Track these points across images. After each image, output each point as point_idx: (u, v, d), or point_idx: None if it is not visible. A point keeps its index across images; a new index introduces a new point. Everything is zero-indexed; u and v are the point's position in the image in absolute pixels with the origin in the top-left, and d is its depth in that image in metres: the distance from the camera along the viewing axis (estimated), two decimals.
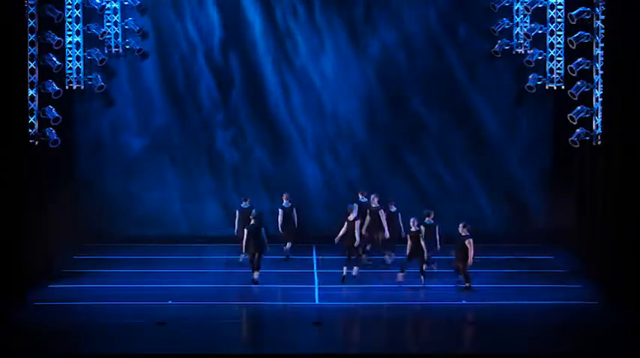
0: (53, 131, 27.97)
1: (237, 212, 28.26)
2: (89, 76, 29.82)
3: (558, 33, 29.52)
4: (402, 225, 27.57)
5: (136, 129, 30.77)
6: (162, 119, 30.80)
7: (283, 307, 24.75)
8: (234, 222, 28.17)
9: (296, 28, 30.55)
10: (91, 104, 30.49)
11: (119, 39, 30.08)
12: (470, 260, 25.46)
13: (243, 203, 28.22)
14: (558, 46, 29.57)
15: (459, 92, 30.68)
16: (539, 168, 30.77)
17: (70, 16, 29.29)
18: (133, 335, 22.14)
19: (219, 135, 30.86)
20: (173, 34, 30.51)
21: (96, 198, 30.57)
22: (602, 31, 26.84)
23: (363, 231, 26.81)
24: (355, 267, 26.34)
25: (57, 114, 28.04)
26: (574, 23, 28.17)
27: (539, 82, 29.90)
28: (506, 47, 30.09)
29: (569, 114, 28.29)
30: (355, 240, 26.22)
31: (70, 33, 29.41)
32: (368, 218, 27.23)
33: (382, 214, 27.30)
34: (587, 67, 27.97)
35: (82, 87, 29.87)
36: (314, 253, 29.34)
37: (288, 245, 28.64)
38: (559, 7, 29.41)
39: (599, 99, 27.30)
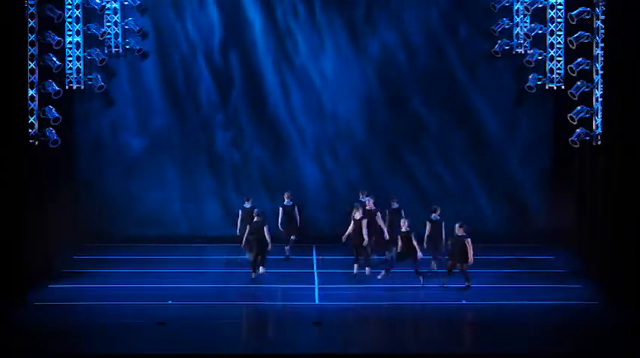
0: (53, 131, 27.97)
1: (239, 212, 28.27)
2: (89, 76, 29.82)
3: (558, 33, 29.53)
4: (402, 223, 27.64)
5: (136, 129, 30.78)
6: (162, 119, 30.81)
7: (283, 307, 24.75)
8: (237, 222, 28.17)
9: (296, 27, 30.55)
10: (91, 104, 30.49)
11: (119, 39, 30.09)
12: (471, 259, 25.47)
13: (246, 203, 28.21)
14: (558, 46, 29.57)
15: (459, 92, 30.69)
16: (539, 168, 30.77)
17: (70, 16, 29.29)
18: (133, 335, 22.14)
19: (219, 135, 30.86)
20: (173, 34, 30.52)
21: (96, 198, 30.58)
22: (602, 31, 26.84)
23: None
24: (367, 268, 26.24)
25: (57, 114, 28.04)
26: (574, 23, 28.17)
27: (539, 82, 29.91)
28: (506, 47, 30.10)
29: (569, 114, 28.29)
30: (363, 239, 26.16)
31: (70, 33, 29.42)
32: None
33: (379, 217, 27.24)
34: (587, 67, 27.98)
35: (82, 87, 29.87)
36: (314, 253, 29.34)
37: (291, 241, 28.67)
38: (559, 7, 29.42)
39: (599, 99, 27.30)
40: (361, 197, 28.16)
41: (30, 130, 26.94)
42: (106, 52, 29.96)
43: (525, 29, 29.85)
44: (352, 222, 26.42)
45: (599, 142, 27.13)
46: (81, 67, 29.74)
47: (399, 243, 25.87)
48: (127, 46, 30.20)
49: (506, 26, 30.04)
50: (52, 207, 28.06)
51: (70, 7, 29.23)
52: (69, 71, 29.54)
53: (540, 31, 29.63)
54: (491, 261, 27.86)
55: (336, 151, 30.91)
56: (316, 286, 26.11)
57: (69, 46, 29.43)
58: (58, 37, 28.17)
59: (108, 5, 29.81)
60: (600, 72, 27.15)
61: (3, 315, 23.23)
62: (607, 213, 25.52)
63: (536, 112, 30.54)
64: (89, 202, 30.49)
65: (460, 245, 25.49)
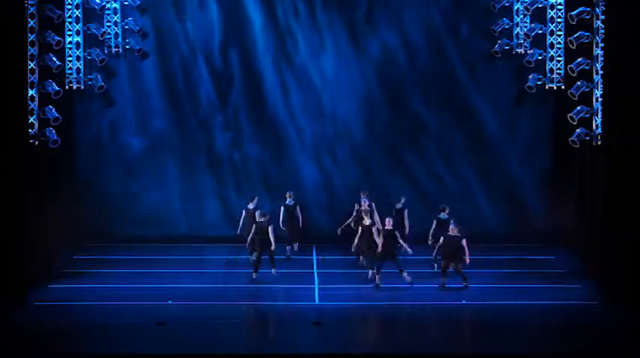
0: (53, 131, 27.96)
1: (243, 212, 28.26)
2: (89, 76, 29.82)
3: (558, 33, 29.52)
4: (407, 222, 27.71)
5: (136, 129, 30.77)
6: (162, 119, 30.79)
7: (283, 307, 24.74)
8: (239, 222, 28.16)
9: (297, 27, 30.54)
10: (91, 104, 30.48)
11: (119, 39, 30.08)
12: (467, 260, 25.50)
13: (250, 203, 28.17)
14: (558, 46, 29.57)
15: (459, 92, 30.68)
16: (539, 168, 30.77)
17: (70, 16, 29.28)
18: (133, 335, 22.14)
19: (219, 135, 30.84)
20: (173, 34, 30.50)
21: (96, 198, 30.57)
22: (602, 31, 26.83)
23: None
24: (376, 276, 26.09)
25: (57, 114, 28.03)
26: (574, 23, 28.17)
27: (539, 82, 29.90)
28: (506, 47, 30.09)
29: (569, 114, 28.29)
30: (375, 245, 25.78)
31: (70, 33, 29.41)
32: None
33: (375, 217, 27.27)
34: (587, 67, 27.97)
35: (82, 87, 29.87)
36: (314, 253, 29.34)
37: (295, 245, 28.77)
38: (559, 7, 29.42)
39: (599, 99, 27.30)
40: (362, 197, 28.19)
41: (30, 130, 26.93)
42: (106, 52, 29.95)
43: (525, 29, 29.84)
44: (360, 228, 26.19)
45: (599, 142, 27.13)
46: (81, 67, 29.73)
47: (381, 240, 25.76)
48: (127, 46, 30.19)
49: (506, 26, 30.03)
50: (52, 207, 28.06)
51: (70, 7, 29.22)
52: (69, 71, 29.54)
53: (540, 31, 29.63)
54: (491, 261, 27.87)
55: (335, 151, 30.90)
56: (316, 286, 26.11)
57: (69, 46, 29.43)
58: (58, 37, 28.17)
59: (108, 5, 29.80)
60: (600, 72, 27.14)
61: (3, 315, 23.23)
62: (607, 213, 25.52)
63: (536, 112, 30.54)
64: (89, 202, 30.49)
65: (454, 245, 25.50)
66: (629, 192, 24.58)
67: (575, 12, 28.06)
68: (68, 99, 29.53)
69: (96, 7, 29.50)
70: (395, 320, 23.77)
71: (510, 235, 30.29)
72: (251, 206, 28.11)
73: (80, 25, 29.47)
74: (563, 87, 29.38)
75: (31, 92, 27.15)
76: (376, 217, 27.20)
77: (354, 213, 27.98)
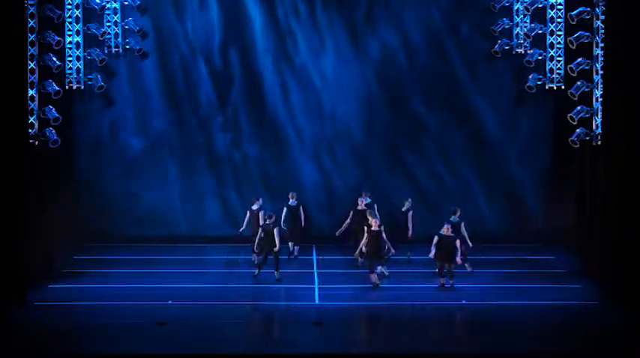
0: (53, 131, 27.96)
1: (247, 213, 28.25)
2: (89, 76, 29.81)
3: (558, 33, 29.52)
4: (411, 225, 27.83)
5: (136, 129, 30.76)
6: (162, 119, 30.79)
7: (283, 307, 24.73)
8: (242, 222, 28.15)
9: (297, 27, 30.53)
10: (91, 104, 30.48)
11: (119, 39, 30.08)
12: (458, 260, 25.55)
13: (254, 204, 28.13)
14: (558, 46, 29.57)
15: (459, 92, 30.67)
16: (539, 168, 30.76)
17: (70, 16, 29.28)
18: (133, 335, 22.14)
19: (219, 135, 30.83)
20: (173, 34, 30.49)
21: (96, 198, 30.57)
22: (602, 31, 26.83)
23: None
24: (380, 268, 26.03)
25: (57, 114, 28.03)
26: (574, 23, 28.17)
27: (539, 82, 29.90)
28: (506, 47, 30.09)
29: (569, 114, 28.29)
30: (381, 250, 25.67)
31: (70, 33, 29.41)
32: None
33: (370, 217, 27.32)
34: (587, 67, 27.97)
35: (82, 87, 29.86)
36: (314, 253, 29.34)
37: (296, 248, 28.79)
38: (559, 7, 29.42)
39: (599, 99, 27.30)
40: (364, 198, 28.23)
41: (30, 130, 26.93)
42: (106, 52, 29.95)
43: (525, 29, 29.84)
44: (366, 233, 25.88)
45: (599, 142, 27.13)
46: (81, 67, 29.73)
47: (368, 240, 25.71)
48: (127, 46, 30.19)
49: (506, 26, 30.03)
50: (52, 207, 28.06)
51: (70, 7, 29.21)
52: (69, 71, 29.53)
53: (540, 31, 29.63)
54: (491, 261, 27.88)
55: (335, 151, 30.89)
56: (316, 286, 26.11)
57: (69, 46, 29.43)
58: (58, 37, 28.16)
59: (108, 5, 29.80)
60: (600, 72, 27.14)
61: (3, 315, 23.23)
62: (607, 213, 25.52)
63: (536, 112, 30.53)
64: (89, 202, 30.49)
65: (449, 245, 25.51)
66: (629, 192, 24.58)
67: (575, 12, 28.06)
68: (68, 99, 29.52)
69: (96, 7, 29.50)
70: (395, 320, 23.76)
71: (510, 235, 30.29)
72: (255, 207, 28.09)
73: (80, 25, 29.47)
74: (563, 87, 29.38)
75: (31, 92, 27.15)
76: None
77: (351, 215, 27.97)
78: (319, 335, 22.34)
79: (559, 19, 29.43)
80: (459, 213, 27.05)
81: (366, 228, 25.86)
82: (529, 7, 29.53)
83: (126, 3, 29.98)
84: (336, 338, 22.27)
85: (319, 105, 30.76)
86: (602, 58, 26.83)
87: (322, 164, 30.90)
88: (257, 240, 26.57)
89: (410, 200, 28.44)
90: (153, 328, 22.45)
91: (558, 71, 29.66)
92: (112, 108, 30.63)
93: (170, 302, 24.52)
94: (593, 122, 27.76)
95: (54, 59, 28.05)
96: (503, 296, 25.21)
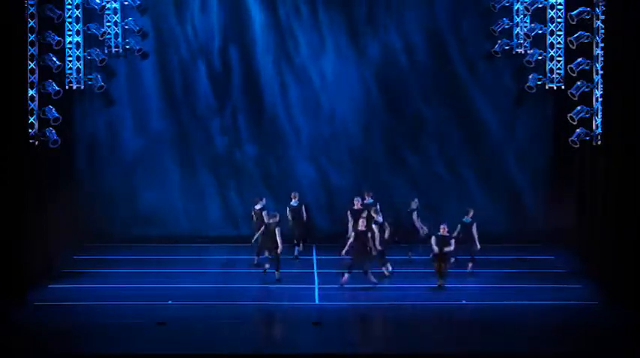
0: (53, 131, 27.96)
1: (252, 213, 28.28)
2: (89, 76, 29.82)
3: (558, 33, 29.53)
4: (419, 224, 27.91)
5: (136, 129, 30.77)
6: (161, 119, 30.79)
7: (283, 307, 24.71)
8: (240, 223, 28.26)
9: (298, 27, 30.53)
10: (91, 104, 30.49)
11: (119, 39, 30.08)
12: (451, 260, 25.54)
13: (258, 203, 28.12)
14: (558, 46, 29.57)
15: (459, 92, 30.68)
16: (539, 168, 30.77)
17: (70, 16, 29.29)
18: (133, 335, 22.14)
19: (220, 135, 30.83)
20: (173, 34, 30.50)
21: (96, 198, 30.58)
22: (602, 31, 26.84)
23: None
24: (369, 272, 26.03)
25: (57, 114, 28.03)
26: (574, 23, 28.17)
27: (539, 82, 29.91)
28: (506, 47, 30.10)
29: (569, 114, 28.29)
30: (367, 252, 25.59)
31: (70, 33, 29.41)
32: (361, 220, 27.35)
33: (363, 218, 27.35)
34: (587, 67, 27.97)
35: (82, 87, 29.87)
36: (314, 253, 29.34)
37: (300, 247, 28.82)
38: (559, 7, 29.42)
39: (599, 99, 27.30)
40: (366, 199, 28.23)
41: (30, 130, 26.93)
42: (106, 52, 29.96)
43: (525, 29, 29.85)
44: (354, 233, 25.88)
45: (599, 142, 27.13)
46: (81, 67, 29.73)
47: (352, 240, 25.66)
48: (127, 46, 30.19)
49: (506, 26, 30.04)
50: (52, 207, 28.06)
51: (70, 7, 29.22)
52: (69, 71, 29.54)
53: (540, 31, 29.63)
54: (491, 261, 27.86)
55: (336, 151, 30.89)
56: (316, 286, 26.11)
57: (69, 46, 29.43)
58: (58, 37, 28.17)
59: (108, 5, 29.81)
60: (600, 72, 27.14)
61: (3, 315, 23.23)
62: (607, 213, 25.52)
63: (536, 112, 30.55)
64: (89, 202, 30.49)
65: (445, 245, 25.51)
66: (629, 192, 24.58)
67: (575, 12, 28.06)
68: (68, 99, 29.53)
69: (96, 7, 29.50)
70: (395, 320, 23.76)
71: (510, 235, 30.28)
72: (258, 206, 28.10)
73: (80, 25, 29.47)
74: (563, 87, 29.39)
75: (31, 92, 27.16)
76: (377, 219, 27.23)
77: (349, 215, 28.01)
78: (319, 335, 22.34)
79: (559, 19, 29.43)
80: (471, 214, 27.08)
81: (351, 227, 25.95)
82: (529, 7, 29.54)
83: (126, 3, 29.99)
84: (336, 338, 22.26)
85: (319, 105, 30.76)
86: (602, 58, 26.83)
87: (323, 164, 30.90)
88: (260, 239, 26.58)
89: (416, 200, 28.43)
90: (153, 328, 22.44)
91: (558, 71, 29.67)
92: (112, 108, 30.64)
93: (170, 302, 24.51)
94: (593, 122, 27.76)
95: (54, 59, 28.05)
96: (503, 296, 25.20)
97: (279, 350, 21.71)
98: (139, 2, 29.98)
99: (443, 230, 25.72)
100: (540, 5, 29.52)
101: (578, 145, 28.31)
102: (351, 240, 25.69)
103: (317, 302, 24.86)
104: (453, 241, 25.67)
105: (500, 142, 30.84)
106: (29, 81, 26.89)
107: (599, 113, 27.27)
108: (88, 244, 29.71)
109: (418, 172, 30.82)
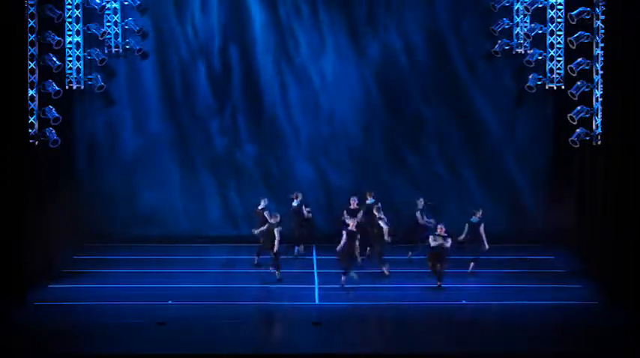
0: (53, 131, 27.96)
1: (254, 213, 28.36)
2: (89, 76, 29.82)
3: (558, 33, 29.53)
4: (421, 221, 27.88)
5: (136, 129, 30.76)
6: (161, 118, 30.78)
7: (283, 307, 24.71)
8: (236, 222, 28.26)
9: (299, 27, 30.52)
10: (91, 104, 30.48)
11: (119, 39, 30.08)
12: (446, 260, 25.63)
13: (261, 203, 28.13)
14: (558, 46, 29.57)
15: (459, 92, 30.68)
16: (539, 168, 30.77)
17: (70, 16, 29.28)
18: (133, 335, 22.14)
19: (220, 135, 30.83)
20: (173, 34, 30.48)
21: (96, 198, 30.57)
22: (602, 31, 26.84)
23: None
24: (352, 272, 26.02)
25: (57, 114, 28.03)
26: (574, 23, 28.18)
27: (539, 82, 29.91)
28: (506, 47, 30.10)
29: (569, 114, 28.29)
30: (353, 251, 25.61)
31: (70, 33, 29.41)
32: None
33: (358, 218, 27.33)
34: (587, 67, 27.98)
35: (82, 87, 29.86)
36: (314, 253, 29.34)
37: (300, 247, 28.88)
38: (559, 7, 29.42)
39: (599, 99, 27.30)
40: (369, 199, 28.24)
41: (30, 130, 26.94)
42: (106, 52, 29.95)
43: (525, 29, 29.84)
44: (345, 233, 25.73)
45: (599, 142, 27.13)
46: (81, 67, 29.73)
47: (344, 240, 25.63)
48: (127, 46, 30.19)
49: (506, 26, 30.03)
50: (52, 207, 28.06)
51: (70, 7, 29.22)
52: (69, 71, 29.53)
53: (540, 31, 29.63)
54: (491, 261, 27.84)
55: (336, 151, 30.88)
56: (316, 286, 26.11)
57: (69, 46, 29.43)
58: (58, 37, 28.17)
59: (108, 5, 29.80)
60: (600, 72, 27.15)
61: (3, 315, 23.23)
62: (607, 213, 25.52)
63: (536, 112, 30.55)
64: (89, 202, 30.48)
65: (441, 246, 25.52)
66: (629, 192, 24.58)
67: (575, 12, 28.07)
68: (68, 99, 29.52)
69: (96, 7, 29.50)
70: (395, 320, 23.76)
71: (510, 235, 30.26)
72: (260, 206, 28.10)
73: (80, 25, 29.46)
74: (563, 87, 29.39)
75: (31, 92, 27.16)
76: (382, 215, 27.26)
77: (344, 214, 28.03)
78: (319, 335, 22.34)
79: (559, 19, 29.43)
80: (479, 214, 27.07)
81: (343, 228, 25.97)
82: (529, 7, 29.54)
83: (126, 3, 29.99)
84: (336, 338, 22.26)
85: (319, 105, 30.75)
86: (602, 58, 26.84)
87: (322, 164, 30.89)
88: (260, 239, 26.62)
89: (421, 199, 28.40)
90: (153, 328, 22.44)
91: (558, 71, 29.67)
92: (112, 108, 30.64)
93: (170, 302, 24.51)
94: (593, 122, 27.76)
95: (54, 59, 28.05)
96: (503, 296, 25.20)
97: (279, 350, 21.71)
98: (139, 2, 29.98)
99: (440, 230, 25.71)
100: (540, 5, 29.52)
101: (578, 145, 28.31)
102: (343, 239, 25.62)
103: (317, 302, 24.86)
104: (449, 240, 25.62)
105: (500, 142, 30.83)
106: (29, 81, 26.89)
107: (599, 113, 27.27)
108: (88, 244, 29.71)
109: (418, 172, 30.83)
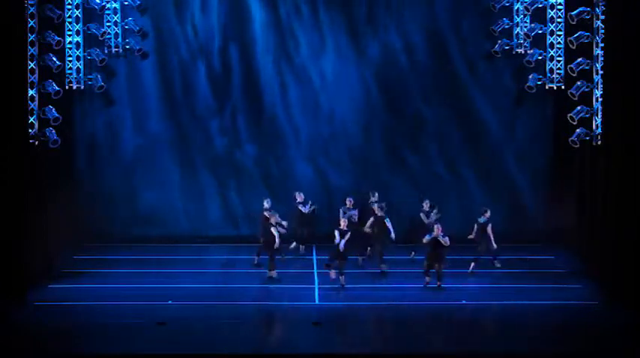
0: (53, 131, 27.97)
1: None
2: (89, 76, 29.82)
3: (558, 33, 29.53)
4: (426, 221, 27.88)
5: (136, 129, 30.77)
6: (162, 119, 30.79)
7: (283, 307, 24.71)
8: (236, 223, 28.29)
9: (299, 27, 30.53)
10: (91, 104, 30.49)
11: (119, 39, 30.08)
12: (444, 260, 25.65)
13: (264, 203, 28.14)
14: (558, 46, 29.58)
15: (459, 92, 30.69)
16: (539, 168, 30.78)
17: (70, 16, 29.29)
18: (133, 335, 22.14)
19: (220, 135, 30.83)
20: (173, 34, 30.49)
21: (96, 198, 30.58)
22: (602, 31, 26.85)
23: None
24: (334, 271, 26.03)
25: (57, 114, 28.04)
26: (574, 23, 28.18)
27: (539, 82, 29.91)
28: (506, 47, 30.11)
29: (569, 114, 28.30)
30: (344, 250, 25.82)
31: (70, 33, 29.42)
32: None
33: (355, 217, 27.52)
34: (587, 67, 27.98)
35: (82, 87, 29.87)
36: (314, 253, 29.33)
37: (301, 248, 28.90)
38: (559, 7, 29.43)
39: (599, 99, 27.31)
40: (371, 199, 28.25)
41: (30, 130, 26.94)
42: (106, 52, 29.96)
43: (525, 29, 29.85)
44: (337, 231, 25.80)
45: (599, 142, 27.14)
46: (81, 67, 29.74)
47: (340, 238, 25.66)
48: (127, 46, 30.20)
49: (506, 26, 30.04)
50: (52, 207, 28.06)
51: (70, 7, 29.23)
52: (69, 71, 29.54)
53: (540, 31, 29.64)
54: (491, 261, 27.83)
55: (336, 151, 30.89)
56: (316, 286, 26.11)
57: (69, 46, 29.43)
58: (58, 37, 28.17)
59: (108, 5, 29.81)
60: (600, 72, 27.15)
61: (3, 315, 23.23)
62: (607, 213, 25.52)
63: (536, 112, 30.56)
64: (89, 202, 30.49)
65: (441, 246, 25.52)
66: (629, 192, 24.58)
67: (575, 12, 28.08)
68: (68, 99, 29.53)
69: (96, 7, 29.50)
70: (395, 320, 23.76)
71: (510, 235, 30.24)
72: (264, 206, 28.11)
73: (80, 25, 29.47)
74: (563, 87, 29.40)
75: (31, 92, 27.16)
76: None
77: (341, 214, 28.04)
78: (319, 335, 22.34)
79: (559, 19, 29.44)
80: (487, 214, 27.10)
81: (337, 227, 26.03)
82: (529, 7, 29.54)
83: (126, 3, 30.00)
84: (336, 338, 22.27)
85: (319, 105, 30.76)
86: (602, 58, 26.84)
87: (322, 164, 30.90)
88: (260, 239, 26.64)
89: (427, 201, 28.38)
90: (153, 328, 22.44)
91: (558, 71, 29.67)
92: (112, 108, 30.65)
93: (170, 302, 24.52)
94: (593, 122, 27.77)
95: (54, 59, 28.06)
96: (503, 296, 25.21)
97: (279, 350, 21.71)
98: (139, 2, 29.99)
99: (437, 230, 25.71)
100: (540, 5, 29.52)
101: (578, 145, 28.32)
102: (344, 238, 25.59)
103: (317, 302, 24.86)
104: (447, 239, 25.62)
105: (500, 142, 30.84)
106: (29, 81, 26.90)
107: (599, 113, 27.27)
108: (88, 244, 29.71)
109: (418, 172, 30.84)
